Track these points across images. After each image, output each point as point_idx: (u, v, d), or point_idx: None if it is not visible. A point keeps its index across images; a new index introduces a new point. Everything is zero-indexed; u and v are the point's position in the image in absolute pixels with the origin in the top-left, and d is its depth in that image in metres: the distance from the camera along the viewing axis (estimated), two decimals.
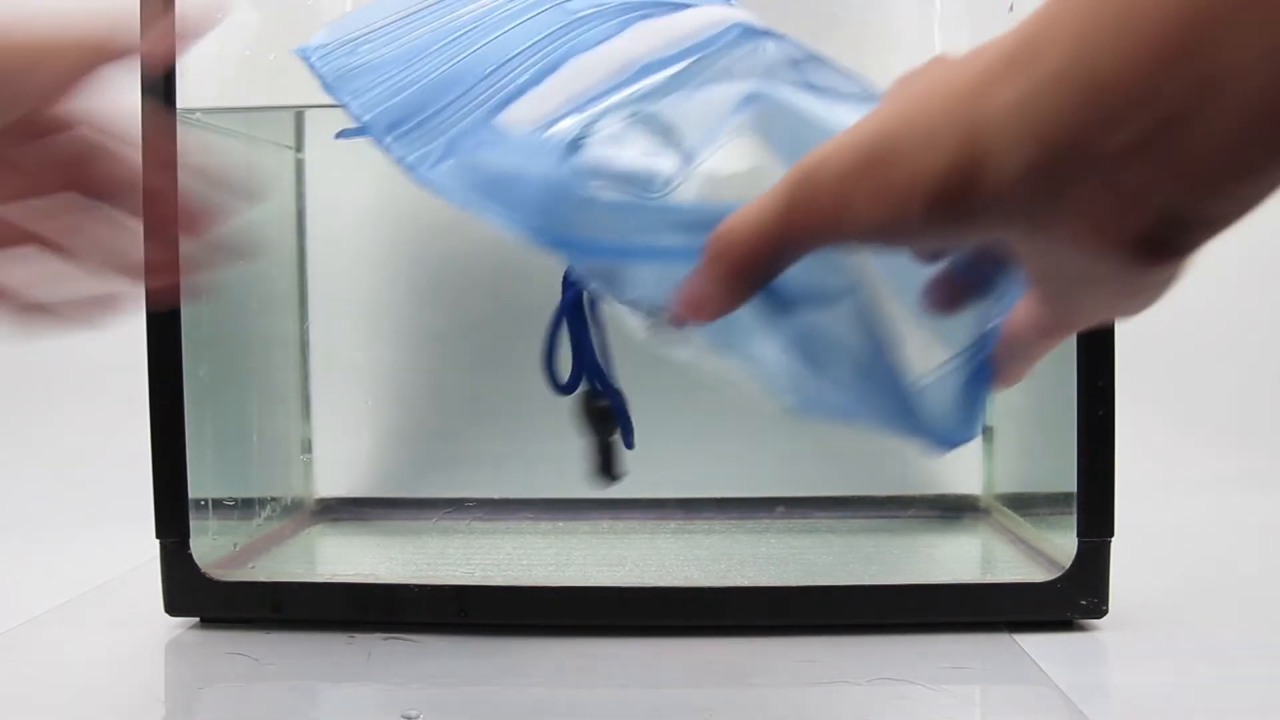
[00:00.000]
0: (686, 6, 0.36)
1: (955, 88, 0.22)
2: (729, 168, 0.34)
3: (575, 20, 0.35)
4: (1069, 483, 0.54)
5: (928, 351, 0.34)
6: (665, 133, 0.33)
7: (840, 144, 0.24)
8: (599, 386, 0.39)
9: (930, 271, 0.32)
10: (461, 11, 0.36)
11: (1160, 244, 0.21)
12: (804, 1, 0.62)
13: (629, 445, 0.40)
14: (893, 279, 0.34)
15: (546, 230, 0.30)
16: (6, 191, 0.35)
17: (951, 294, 0.32)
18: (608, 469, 0.40)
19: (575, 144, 0.32)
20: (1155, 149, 0.20)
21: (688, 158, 0.32)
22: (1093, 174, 0.20)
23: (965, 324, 0.33)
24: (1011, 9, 0.58)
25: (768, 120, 0.33)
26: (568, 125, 0.32)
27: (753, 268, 0.27)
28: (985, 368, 0.33)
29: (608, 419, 0.39)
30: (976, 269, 0.32)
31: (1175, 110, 0.19)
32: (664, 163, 0.32)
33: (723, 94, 0.33)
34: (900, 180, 0.23)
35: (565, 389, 0.39)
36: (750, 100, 0.33)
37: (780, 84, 0.34)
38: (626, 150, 0.32)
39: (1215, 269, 0.98)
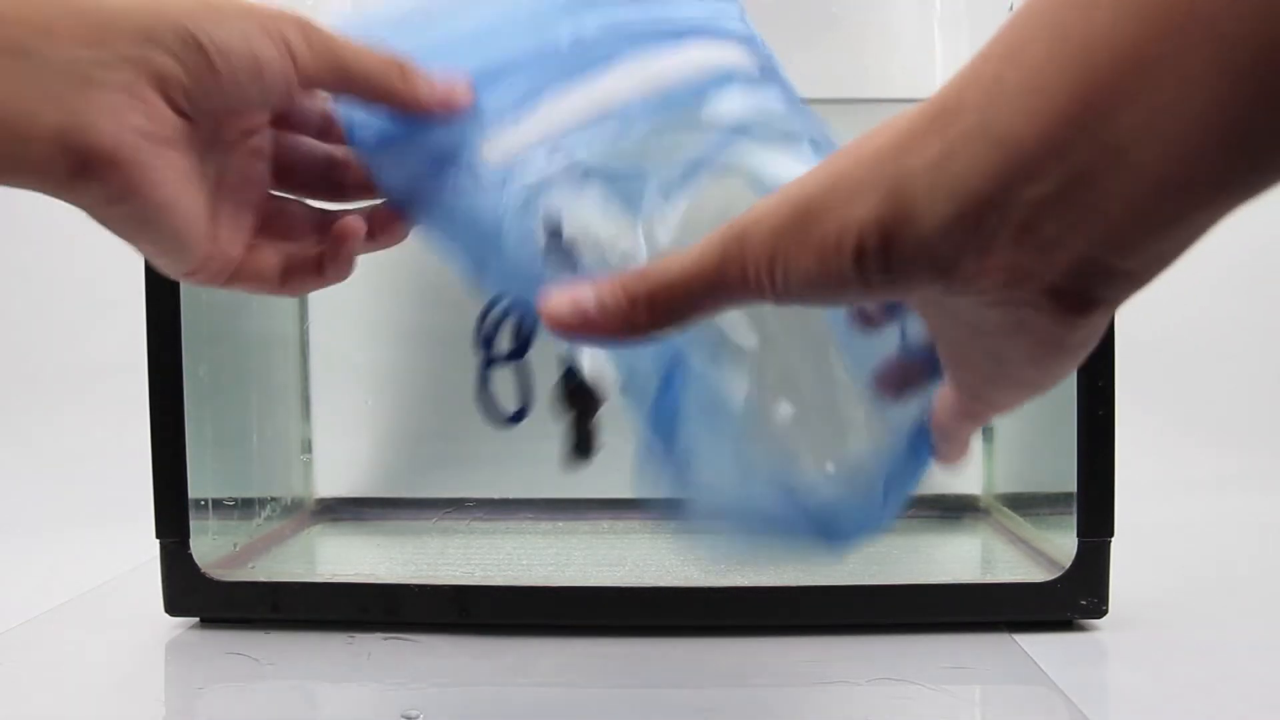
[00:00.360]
0: (691, 35, 0.36)
1: (879, 145, 0.23)
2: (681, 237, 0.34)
3: (575, 44, 0.35)
4: (1069, 483, 0.54)
5: (852, 434, 0.34)
6: (626, 190, 0.33)
7: (775, 199, 0.25)
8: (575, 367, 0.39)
9: (869, 348, 0.33)
10: (468, 15, 0.36)
11: (1075, 296, 0.22)
12: (804, 2, 0.62)
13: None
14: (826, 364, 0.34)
15: (489, 275, 0.31)
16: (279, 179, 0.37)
17: (903, 378, 0.33)
18: (584, 449, 0.40)
19: (535, 192, 0.33)
20: (1068, 203, 0.21)
21: (643, 221, 0.33)
22: (1008, 225, 0.22)
23: (901, 408, 0.33)
24: (1011, 8, 0.58)
25: (725, 179, 0.34)
26: (535, 167, 0.33)
27: (671, 300, 0.27)
28: (922, 448, 0.33)
29: (585, 398, 0.39)
30: (927, 355, 0.32)
31: (1084, 168, 0.20)
32: (617, 232, 0.32)
33: (689, 149, 0.34)
34: (827, 232, 0.24)
35: (514, 419, 0.39)
36: (703, 164, 0.34)
37: (744, 142, 0.34)
38: (584, 207, 0.33)
39: (1215, 271, 0.98)
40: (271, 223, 0.36)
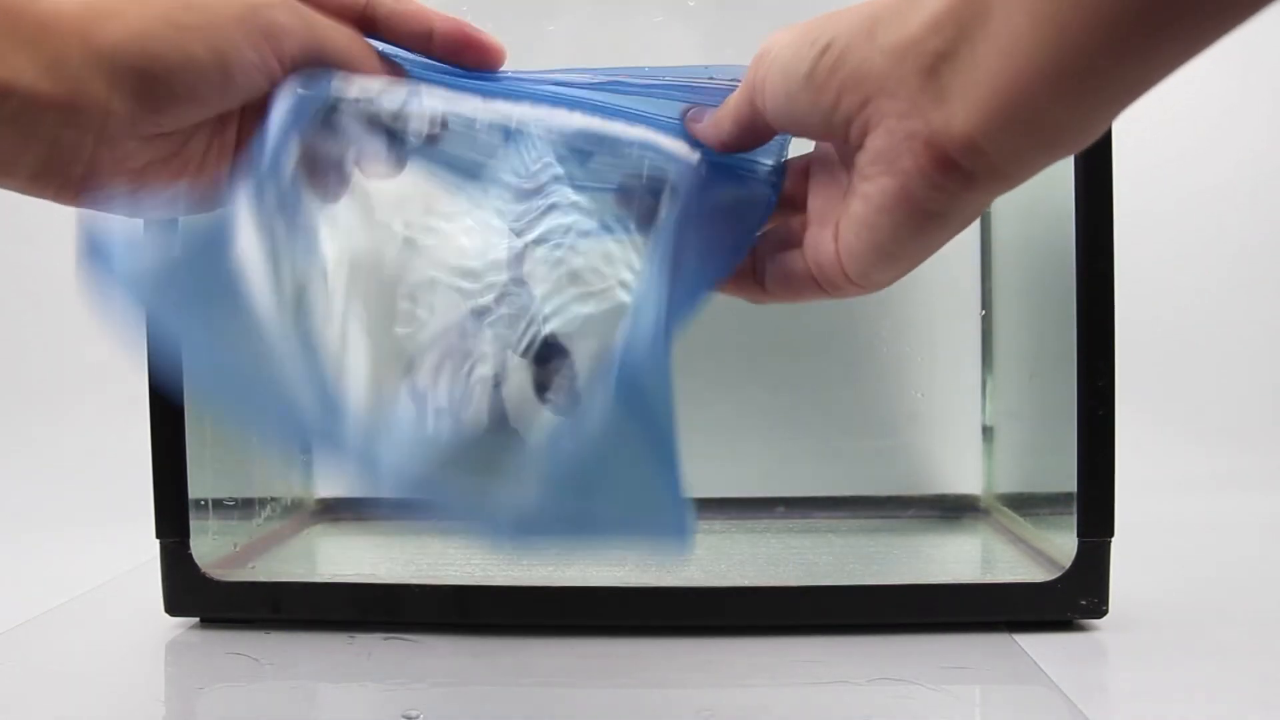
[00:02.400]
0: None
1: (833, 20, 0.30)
2: None
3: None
4: (1069, 483, 0.54)
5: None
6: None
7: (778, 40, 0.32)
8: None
9: None
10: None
11: (952, 162, 0.27)
12: (804, 2, 0.62)
13: None
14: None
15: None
16: None
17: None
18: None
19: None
20: (957, 58, 0.26)
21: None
22: (921, 64, 0.27)
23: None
24: None
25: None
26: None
27: (734, 121, 0.35)
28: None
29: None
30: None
31: (968, 29, 0.26)
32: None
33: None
34: (810, 39, 0.30)
35: None
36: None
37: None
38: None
39: (1215, 271, 0.98)
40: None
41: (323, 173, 0.35)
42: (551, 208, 0.36)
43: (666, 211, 0.35)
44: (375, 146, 0.36)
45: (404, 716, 0.44)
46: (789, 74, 0.31)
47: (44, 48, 0.29)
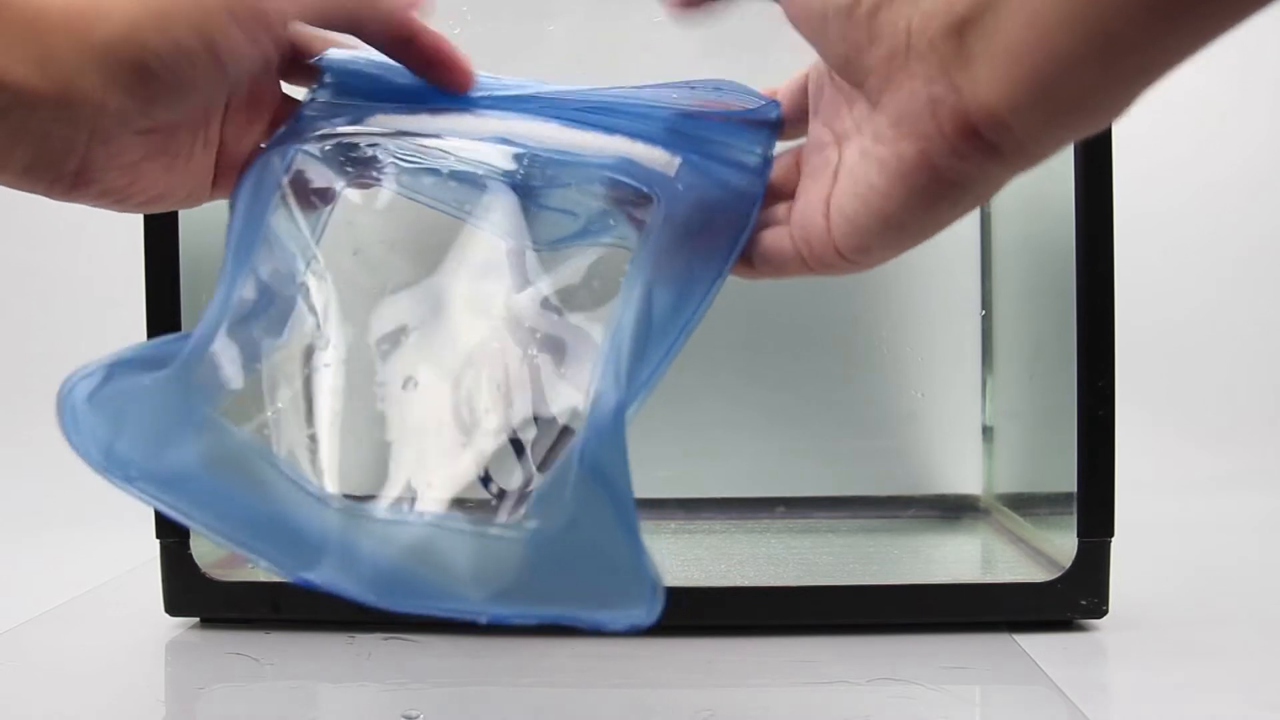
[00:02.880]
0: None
1: None
2: None
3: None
4: (1069, 483, 0.54)
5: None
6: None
7: None
8: None
9: None
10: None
11: (975, 131, 0.27)
12: None
13: None
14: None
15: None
16: None
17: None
18: None
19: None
20: (982, 26, 0.26)
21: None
22: (949, 27, 0.27)
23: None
24: None
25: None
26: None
27: None
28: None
29: None
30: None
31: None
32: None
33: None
34: None
35: None
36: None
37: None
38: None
39: (1215, 271, 0.98)
40: None
41: (308, 203, 0.36)
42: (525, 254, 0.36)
43: (640, 243, 0.34)
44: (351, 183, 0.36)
45: (404, 716, 0.44)
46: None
47: (34, 44, 0.29)
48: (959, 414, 0.74)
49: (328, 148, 0.36)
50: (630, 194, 0.36)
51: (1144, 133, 0.92)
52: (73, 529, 0.82)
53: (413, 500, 0.33)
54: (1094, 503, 0.54)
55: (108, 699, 0.48)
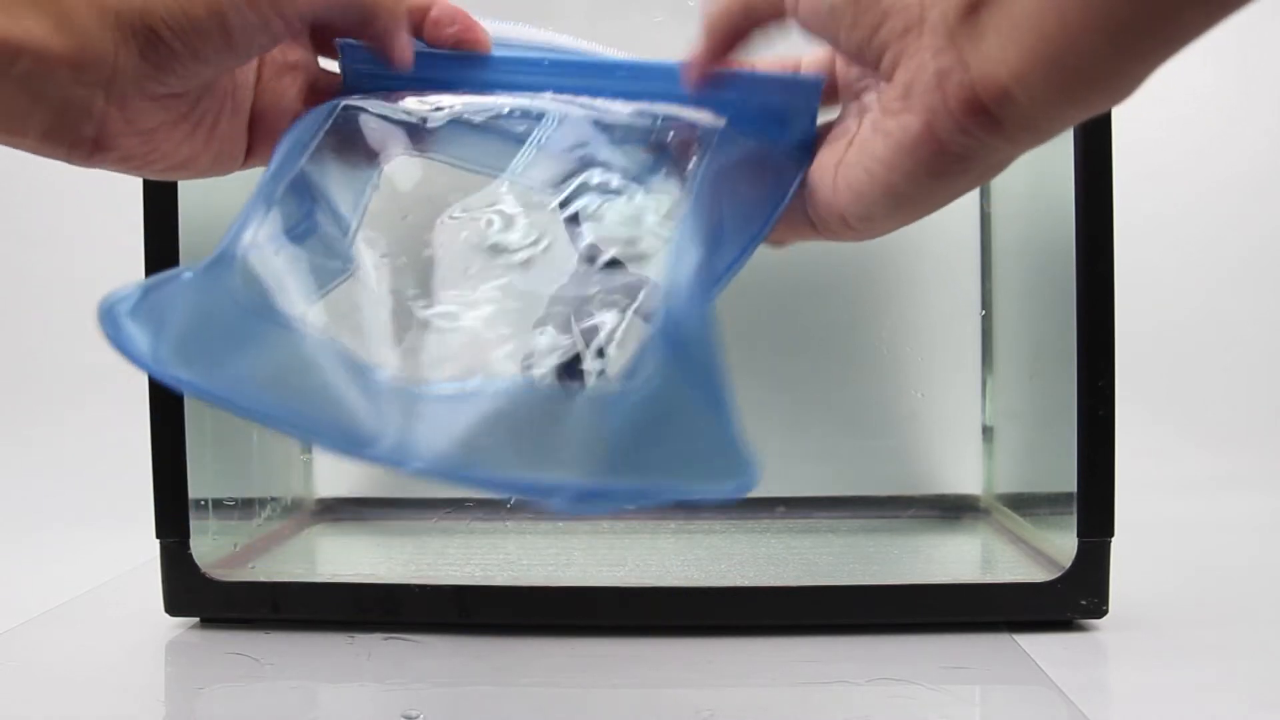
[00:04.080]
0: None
1: None
2: None
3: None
4: (1069, 483, 0.54)
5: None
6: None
7: None
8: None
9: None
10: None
11: (983, 106, 0.27)
12: None
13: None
14: None
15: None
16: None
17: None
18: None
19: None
20: (998, 4, 0.26)
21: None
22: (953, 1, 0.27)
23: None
24: None
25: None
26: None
27: (726, 22, 0.34)
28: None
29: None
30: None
31: None
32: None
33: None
34: None
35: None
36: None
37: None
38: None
39: (1215, 271, 0.98)
40: None
41: (352, 162, 0.36)
42: (584, 179, 0.36)
43: (698, 162, 0.35)
44: (397, 138, 0.36)
45: (404, 716, 0.44)
46: None
47: (53, 5, 0.29)
48: (959, 414, 0.74)
49: (373, 108, 0.36)
50: (680, 140, 0.36)
51: (1144, 133, 0.92)
52: (73, 529, 0.82)
53: (484, 372, 0.32)
54: (1094, 503, 0.54)
55: (108, 699, 0.48)
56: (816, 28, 0.31)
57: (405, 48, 0.36)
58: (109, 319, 0.29)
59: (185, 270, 0.32)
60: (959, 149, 0.28)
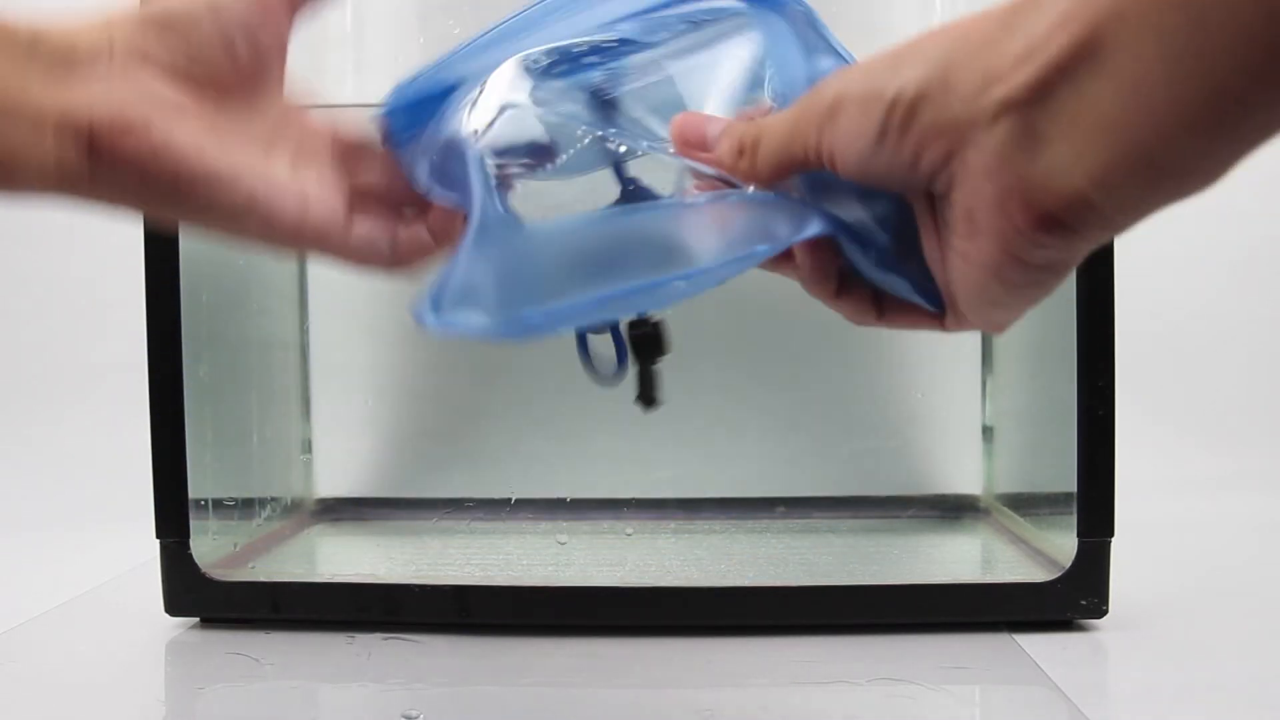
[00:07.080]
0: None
1: (954, 25, 0.27)
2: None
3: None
4: (1069, 483, 0.54)
5: None
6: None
7: (852, 70, 0.30)
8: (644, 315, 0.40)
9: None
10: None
11: (1050, 214, 0.25)
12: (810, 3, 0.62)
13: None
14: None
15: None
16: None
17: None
18: (649, 396, 0.40)
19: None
20: (1068, 116, 0.24)
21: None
22: (1020, 121, 0.25)
23: None
24: None
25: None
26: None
27: (772, 167, 0.32)
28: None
29: (652, 345, 0.39)
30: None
31: (1084, 91, 0.24)
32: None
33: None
34: (877, 88, 0.28)
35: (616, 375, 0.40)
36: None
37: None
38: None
39: (1215, 271, 0.98)
40: (372, 194, 0.37)
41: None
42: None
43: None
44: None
45: (404, 716, 0.44)
46: (860, 137, 0.28)
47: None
48: (959, 414, 0.74)
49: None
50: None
51: None
52: (73, 529, 0.82)
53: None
54: (1094, 502, 0.54)
55: (108, 699, 0.48)
56: (858, 175, 0.30)
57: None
58: (438, 323, 0.31)
59: (459, 257, 0.33)
60: (1042, 260, 0.27)
